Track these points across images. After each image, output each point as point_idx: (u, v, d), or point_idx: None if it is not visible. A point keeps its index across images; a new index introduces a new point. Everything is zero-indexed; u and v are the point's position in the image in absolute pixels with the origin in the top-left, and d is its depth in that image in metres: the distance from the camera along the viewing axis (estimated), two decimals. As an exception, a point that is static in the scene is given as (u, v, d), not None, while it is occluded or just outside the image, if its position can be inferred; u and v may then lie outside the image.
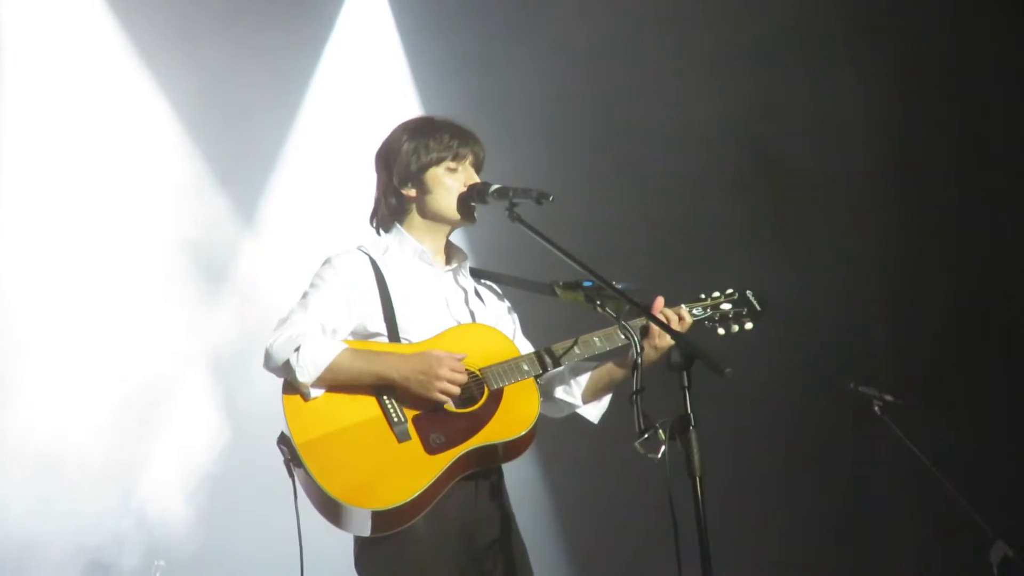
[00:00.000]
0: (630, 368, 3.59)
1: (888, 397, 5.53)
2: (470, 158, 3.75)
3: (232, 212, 6.61)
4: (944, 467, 5.49)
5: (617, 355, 3.74)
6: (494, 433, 3.48)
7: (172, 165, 6.45)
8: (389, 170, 3.74)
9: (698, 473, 3.05)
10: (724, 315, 3.85)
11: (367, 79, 6.98)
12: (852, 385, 5.59)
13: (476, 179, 3.73)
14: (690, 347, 3.17)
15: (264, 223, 6.72)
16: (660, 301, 3.71)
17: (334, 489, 3.35)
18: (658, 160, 6.89)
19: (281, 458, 3.46)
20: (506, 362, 3.58)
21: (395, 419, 3.45)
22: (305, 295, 3.60)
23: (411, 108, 6.80)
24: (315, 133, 6.84)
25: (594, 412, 3.84)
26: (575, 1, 6.92)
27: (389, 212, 3.76)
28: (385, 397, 3.48)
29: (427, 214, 3.73)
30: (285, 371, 3.44)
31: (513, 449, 3.53)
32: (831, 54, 7.07)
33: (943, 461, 5.52)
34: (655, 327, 3.60)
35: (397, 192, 3.74)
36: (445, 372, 3.44)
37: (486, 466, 3.53)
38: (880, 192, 7.04)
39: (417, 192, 3.72)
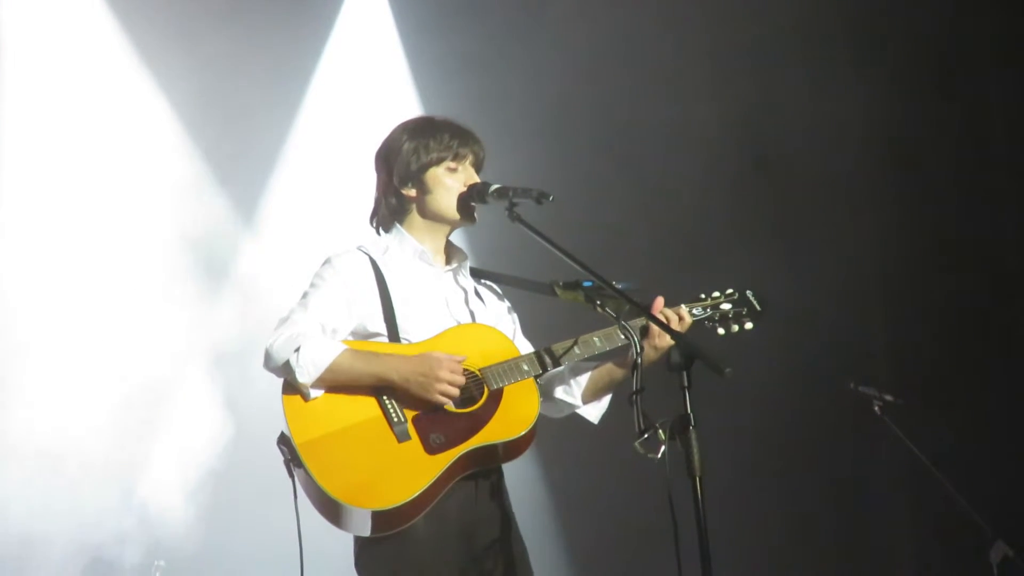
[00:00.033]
0: (630, 368, 3.59)
1: (888, 397, 5.54)
2: (470, 158, 3.75)
3: (232, 212, 6.62)
4: (944, 467, 5.49)
5: (617, 355, 3.74)
6: (494, 433, 3.48)
7: (172, 165, 6.45)
8: (389, 170, 3.74)
9: (698, 473, 3.05)
10: (724, 315, 3.85)
11: (367, 79, 6.98)
12: (852, 385, 5.59)
13: (476, 179, 3.73)
14: (690, 347, 3.17)
15: (264, 222, 6.73)
16: (660, 301, 3.71)
17: (334, 489, 3.35)
18: (658, 160, 6.89)
19: (281, 458, 3.46)
20: (506, 362, 3.58)
21: (395, 419, 3.45)
22: (305, 295, 3.60)
23: (411, 108, 6.80)
24: (315, 133, 6.84)
25: (594, 412, 3.84)
26: (575, 1, 6.92)
27: (389, 212, 3.76)
28: (385, 397, 3.47)
29: (427, 214, 3.73)
30: (285, 371, 3.44)
31: (513, 449, 3.52)
32: (831, 54, 7.07)
33: (943, 461, 5.53)
34: (655, 327, 3.60)
35: (397, 192, 3.74)
36: (445, 374, 3.44)
37: (486, 466, 3.53)
38: (880, 192, 7.04)
39: (417, 192, 3.72)
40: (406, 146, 3.72)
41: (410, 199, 3.73)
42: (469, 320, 3.69)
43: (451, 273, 3.77)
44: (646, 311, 3.61)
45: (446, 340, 3.57)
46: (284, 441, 3.44)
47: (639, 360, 3.42)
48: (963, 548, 5.90)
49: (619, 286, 3.47)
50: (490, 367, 3.56)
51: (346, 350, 3.46)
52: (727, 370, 3.01)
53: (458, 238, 3.86)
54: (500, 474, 3.62)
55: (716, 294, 3.87)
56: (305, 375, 3.42)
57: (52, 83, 6.24)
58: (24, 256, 6.12)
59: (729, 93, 6.91)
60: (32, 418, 5.95)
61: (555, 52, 6.83)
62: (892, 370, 6.81)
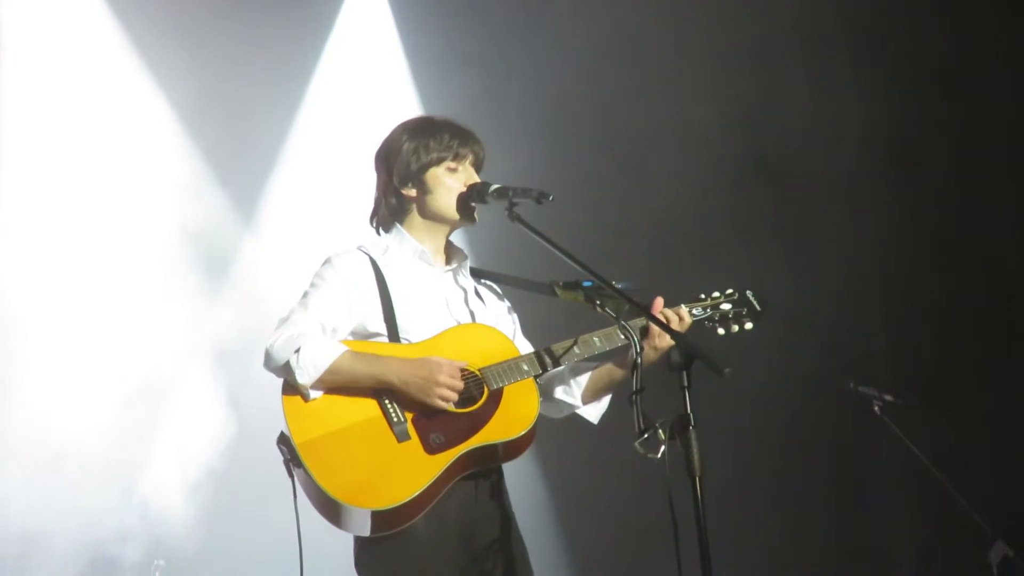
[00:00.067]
0: (630, 368, 3.59)
1: (888, 397, 5.54)
2: (470, 158, 3.75)
3: (232, 211, 6.62)
4: (944, 467, 5.49)
5: (617, 355, 3.74)
6: (494, 433, 3.48)
7: (172, 164, 6.45)
8: (389, 170, 3.74)
9: (698, 473, 3.05)
10: (724, 315, 3.85)
11: (367, 78, 6.98)
12: (852, 385, 5.59)
13: (476, 179, 3.73)
14: (690, 347, 3.17)
15: (264, 222, 6.72)
16: (659, 301, 3.71)
17: (334, 489, 3.35)
18: (658, 160, 6.89)
19: (281, 458, 3.46)
20: (506, 362, 3.58)
21: (395, 419, 3.45)
22: (305, 295, 3.60)
23: (411, 107, 6.80)
24: (315, 132, 6.84)
25: (594, 413, 3.84)
26: (575, 1, 6.92)
27: (389, 212, 3.76)
28: (385, 398, 3.48)
29: (427, 214, 3.73)
30: (285, 372, 3.44)
31: (513, 449, 3.52)
32: (831, 54, 7.07)
33: (943, 461, 5.53)
34: (655, 327, 3.60)
35: (397, 192, 3.73)
36: (444, 379, 3.44)
37: (486, 466, 3.53)
38: (880, 192, 7.04)
39: (417, 192, 3.72)
40: (406, 146, 3.72)
41: (410, 199, 3.73)
42: (469, 320, 3.69)
43: (451, 273, 3.77)
44: (646, 311, 3.60)
45: (446, 340, 3.57)
46: (284, 441, 3.44)
47: (639, 360, 3.41)
48: (963, 548, 5.90)
49: (619, 286, 3.47)
50: (490, 367, 3.55)
51: (346, 351, 3.46)
52: (727, 370, 3.01)
53: (458, 238, 3.86)
54: (500, 474, 3.62)
55: (716, 294, 3.87)
56: (305, 376, 3.42)
57: (52, 83, 6.24)
58: (24, 257, 6.11)
59: (729, 93, 6.91)
60: (32, 417, 5.95)
61: (555, 52, 6.82)
62: (892, 370, 6.81)
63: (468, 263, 3.80)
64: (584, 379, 3.79)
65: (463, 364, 3.49)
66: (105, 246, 6.24)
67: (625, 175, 6.89)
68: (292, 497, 3.47)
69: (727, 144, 6.94)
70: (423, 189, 3.71)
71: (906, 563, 6.93)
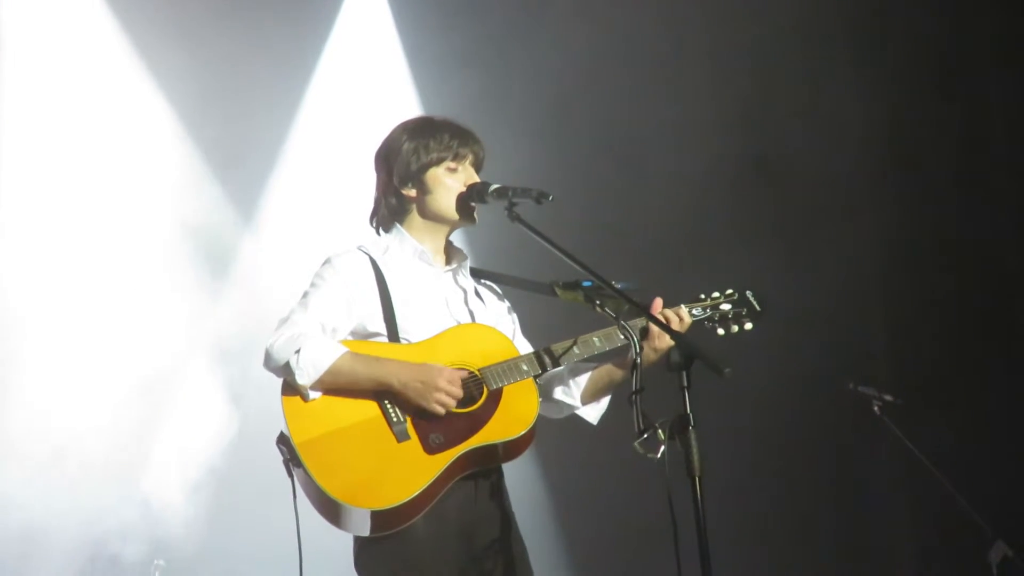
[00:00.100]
0: (629, 368, 3.59)
1: (888, 397, 5.54)
2: (470, 158, 3.75)
3: (233, 211, 6.62)
4: (944, 467, 5.49)
5: (616, 355, 3.74)
6: (493, 433, 3.48)
7: (172, 164, 6.46)
8: (389, 170, 3.74)
9: (697, 473, 3.04)
10: (724, 315, 3.85)
11: (366, 78, 6.99)
12: (852, 385, 5.59)
13: (476, 179, 3.73)
14: (690, 347, 3.16)
15: (264, 221, 6.73)
16: (659, 302, 3.71)
17: (333, 489, 3.35)
18: (658, 160, 6.89)
19: (280, 458, 3.46)
20: (505, 362, 3.57)
21: (394, 419, 3.45)
22: (305, 295, 3.60)
23: (410, 107, 6.81)
24: (315, 132, 6.85)
25: (593, 413, 3.84)
26: (575, 1, 6.92)
27: (389, 212, 3.76)
28: (384, 398, 3.47)
29: (427, 214, 3.73)
30: (285, 372, 3.44)
31: (513, 449, 3.52)
32: (831, 54, 7.07)
33: (943, 461, 5.53)
34: (655, 327, 3.60)
35: (397, 192, 3.73)
36: (443, 384, 3.44)
37: (486, 466, 3.53)
38: (880, 192, 7.04)
39: (417, 192, 3.72)
40: (406, 146, 3.72)
41: (410, 199, 3.73)
42: (469, 320, 3.69)
43: (451, 273, 3.77)
44: (646, 311, 3.61)
45: (446, 340, 3.57)
46: (283, 441, 3.44)
47: (638, 360, 3.41)
48: (963, 548, 5.90)
49: (619, 286, 3.47)
50: (489, 367, 3.55)
51: (347, 353, 3.46)
52: (727, 370, 3.01)
53: (458, 238, 3.85)
54: (500, 474, 3.62)
55: (716, 294, 3.87)
56: (305, 377, 3.42)
57: (53, 82, 6.25)
58: (25, 258, 6.12)
59: (729, 93, 6.91)
60: (32, 417, 5.95)
61: (555, 52, 6.83)
62: (892, 370, 6.81)
63: (468, 263, 3.80)
64: (583, 379, 3.79)
65: (464, 373, 3.49)
66: (105, 246, 6.25)
67: (625, 175, 6.89)
68: (292, 497, 3.47)
69: (727, 144, 6.94)
70: (423, 189, 3.71)
71: (906, 563, 6.93)
